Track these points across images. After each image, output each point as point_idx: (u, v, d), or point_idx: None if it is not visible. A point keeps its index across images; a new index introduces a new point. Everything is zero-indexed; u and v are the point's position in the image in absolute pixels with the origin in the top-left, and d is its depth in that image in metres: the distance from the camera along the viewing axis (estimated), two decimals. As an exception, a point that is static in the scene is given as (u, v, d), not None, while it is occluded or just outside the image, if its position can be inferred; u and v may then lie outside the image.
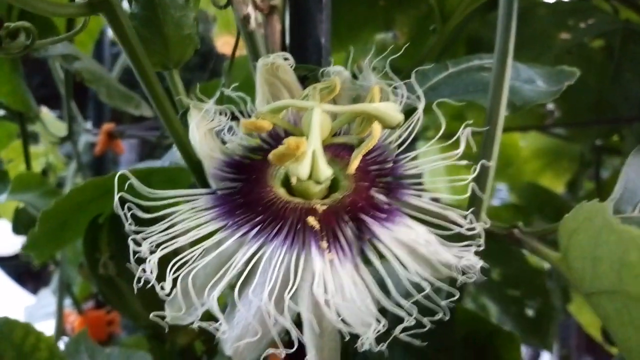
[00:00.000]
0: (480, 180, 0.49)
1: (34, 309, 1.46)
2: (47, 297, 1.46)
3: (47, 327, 1.24)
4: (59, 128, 1.29)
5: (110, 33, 1.71)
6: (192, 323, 0.43)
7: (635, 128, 1.22)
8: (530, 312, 1.03)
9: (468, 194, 0.49)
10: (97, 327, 1.16)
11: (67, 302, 1.23)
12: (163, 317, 0.42)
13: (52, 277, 1.47)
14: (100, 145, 1.16)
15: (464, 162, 0.48)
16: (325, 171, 0.41)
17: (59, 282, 1.10)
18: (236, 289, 0.39)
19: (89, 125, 1.33)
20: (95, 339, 0.87)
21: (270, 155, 0.41)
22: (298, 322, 0.40)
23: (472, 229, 0.46)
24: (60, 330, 1.08)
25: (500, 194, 1.90)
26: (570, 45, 1.17)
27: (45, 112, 1.29)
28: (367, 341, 0.37)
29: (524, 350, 2.00)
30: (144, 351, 0.76)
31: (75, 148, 1.14)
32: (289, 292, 0.38)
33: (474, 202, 0.49)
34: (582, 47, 1.18)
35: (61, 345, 1.01)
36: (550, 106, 1.35)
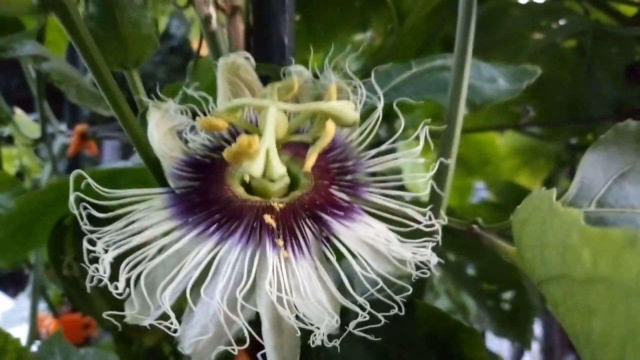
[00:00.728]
0: (440, 178, 0.50)
1: (11, 314, 1.44)
2: (25, 301, 1.44)
3: (23, 331, 1.23)
4: (34, 130, 1.28)
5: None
6: (149, 324, 0.43)
7: (608, 127, 1.24)
8: (506, 306, 1.04)
9: (427, 192, 0.50)
10: (73, 330, 1.15)
11: (43, 306, 1.21)
12: (124, 317, 0.42)
13: (29, 281, 1.46)
14: (73, 146, 1.15)
15: (423, 160, 0.48)
16: (279, 169, 0.41)
17: (32, 285, 1.09)
18: (188, 289, 0.39)
19: (64, 127, 1.32)
20: (72, 342, 0.86)
21: (225, 154, 0.41)
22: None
23: (431, 225, 0.47)
24: (34, 334, 1.07)
25: (482, 193, 1.92)
26: (544, 45, 1.18)
27: (19, 113, 1.28)
28: (319, 337, 0.37)
29: (509, 348, 2.02)
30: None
31: (50, 150, 1.13)
32: (241, 291, 0.38)
33: (433, 199, 0.50)
34: (555, 48, 1.20)
35: (34, 349, 1.00)
36: (527, 106, 1.37)
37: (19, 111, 1.27)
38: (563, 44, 1.19)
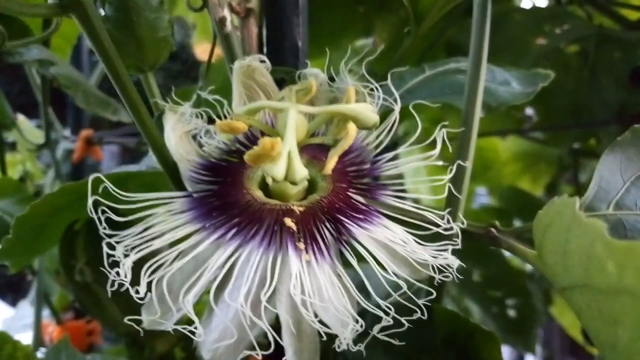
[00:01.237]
0: (457, 180, 0.50)
1: (12, 321, 1.43)
2: (26, 308, 1.43)
3: (25, 339, 1.21)
4: (37, 136, 1.27)
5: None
6: (169, 328, 0.42)
7: (611, 131, 1.24)
8: (511, 313, 1.04)
9: (445, 195, 0.50)
10: (76, 337, 1.14)
11: (46, 312, 1.20)
12: (140, 323, 0.42)
13: (31, 288, 1.45)
14: (78, 151, 1.15)
15: (441, 163, 0.48)
16: (301, 171, 0.41)
17: (36, 292, 1.08)
18: (211, 293, 0.39)
19: (67, 132, 1.32)
20: (75, 349, 0.85)
21: (246, 156, 0.41)
22: (278, 324, 0.40)
23: (450, 228, 0.47)
24: (39, 341, 1.06)
25: (481, 199, 1.92)
26: (547, 50, 1.19)
27: (22, 119, 1.27)
28: (344, 341, 0.37)
29: (509, 353, 2.01)
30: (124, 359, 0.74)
31: (53, 155, 1.12)
32: (265, 294, 0.38)
33: (451, 203, 0.50)
34: (558, 53, 1.20)
35: (39, 355, 0.99)
36: (529, 111, 1.37)
37: (21, 117, 1.26)
38: (566, 48, 1.20)
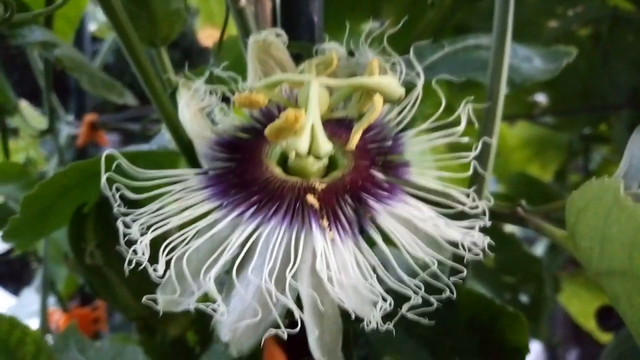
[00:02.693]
0: (482, 158, 0.48)
1: (17, 309, 1.42)
2: (30, 296, 1.42)
3: (31, 325, 1.20)
4: (40, 122, 1.25)
5: (90, 28, 1.67)
6: (185, 310, 0.41)
7: (623, 116, 1.23)
8: (524, 299, 1.03)
9: (470, 172, 0.48)
10: (82, 325, 1.13)
11: (51, 300, 1.19)
12: (155, 303, 0.40)
13: (35, 276, 1.44)
14: (83, 136, 1.13)
15: (465, 140, 0.47)
16: (325, 145, 0.39)
17: (42, 279, 1.07)
18: (234, 270, 0.37)
19: (70, 118, 1.30)
20: (81, 336, 0.84)
21: (267, 130, 0.39)
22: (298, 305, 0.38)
23: (475, 207, 0.45)
24: (45, 329, 1.05)
25: (490, 186, 1.90)
26: (559, 33, 1.16)
27: (25, 105, 1.25)
28: (373, 320, 0.36)
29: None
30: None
31: (57, 141, 1.10)
32: (290, 270, 0.36)
33: (475, 180, 0.48)
34: (571, 35, 1.18)
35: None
36: (538, 97, 1.35)
37: (24, 103, 1.24)
38: (578, 31, 1.18)
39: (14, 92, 1.08)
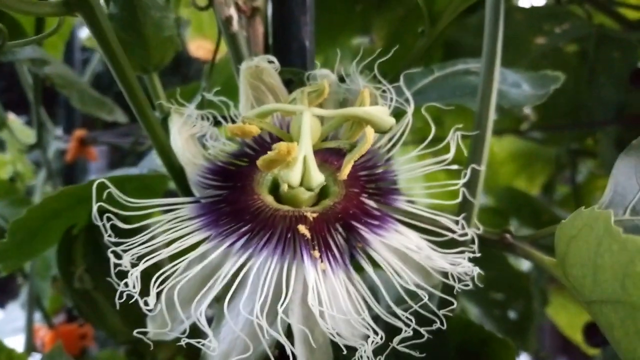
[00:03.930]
0: (471, 184, 0.48)
1: (2, 324, 1.40)
2: (16, 311, 1.39)
3: (16, 342, 1.19)
4: (27, 135, 1.25)
5: (80, 36, 1.66)
6: (175, 339, 0.41)
7: (610, 131, 1.24)
8: (512, 315, 1.03)
9: (459, 200, 0.48)
10: (69, 341, 1.11)
11: (37, 316, 1.18)
12: (145, 333, 0.40)
13: (21, 290, 1.42)
14: (72, 152, 1.12)
15: (455, 167, 0.47)
16: (317, 177, 0.40)
17: (28, 295, 1.06)
18: (225, 302, 0.37)
19: (59, 131, 1.29)
20: (68, 354, 0.83)
21: (259, 162, 0.39)
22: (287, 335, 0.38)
23: (465, 234, 0.46)
24: (31, 346, 1.04)
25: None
26: (546, 49, 1.18)
27: (12, 118, 1.24)
28: (365, 354, 0.36)
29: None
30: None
31: (45, 156, 1.09)
32: (282, 304, 0.36)
33: (464, 207, 0.48)
34: (558, 52, 1.20)
35: (31, 361, 0.96)
36: (527, 110, 1.37)
37: (11, 116, 1.23)
38: (565, 48, 1.19)
39: (2, 100, 1.07)
